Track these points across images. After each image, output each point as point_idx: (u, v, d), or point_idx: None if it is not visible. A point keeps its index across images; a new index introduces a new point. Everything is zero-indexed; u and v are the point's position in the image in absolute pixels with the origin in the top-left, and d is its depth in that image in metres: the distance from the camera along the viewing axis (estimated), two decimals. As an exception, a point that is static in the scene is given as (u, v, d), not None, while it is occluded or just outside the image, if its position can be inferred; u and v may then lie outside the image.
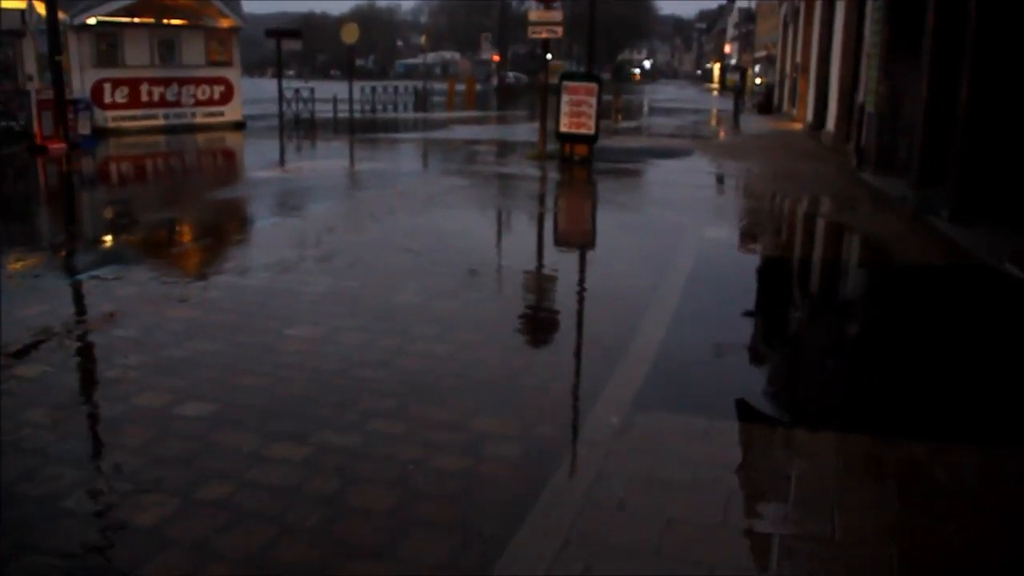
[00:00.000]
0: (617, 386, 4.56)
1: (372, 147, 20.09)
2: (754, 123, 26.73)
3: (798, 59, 25.91)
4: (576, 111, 14.95)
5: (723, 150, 18.22)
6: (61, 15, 19.84)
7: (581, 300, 6.58)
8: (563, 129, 15.18)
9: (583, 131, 15.04)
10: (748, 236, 9.31)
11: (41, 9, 17.88)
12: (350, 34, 28.42)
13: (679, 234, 8.95)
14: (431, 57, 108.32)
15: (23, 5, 19.53)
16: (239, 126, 23.55)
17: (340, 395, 4.48)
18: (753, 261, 8.17)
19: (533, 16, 15.13)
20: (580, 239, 9.62)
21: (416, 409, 4.29)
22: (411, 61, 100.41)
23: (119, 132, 21.12)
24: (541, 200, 12.09)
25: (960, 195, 9.37)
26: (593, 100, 14.89)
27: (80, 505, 3.41)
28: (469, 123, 27.78)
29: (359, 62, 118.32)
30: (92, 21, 20.80)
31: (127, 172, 16.10)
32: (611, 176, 14.05)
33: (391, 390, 4.53)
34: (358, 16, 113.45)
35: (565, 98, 15.00)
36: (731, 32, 68.90)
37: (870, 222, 10.05)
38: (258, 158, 17.96)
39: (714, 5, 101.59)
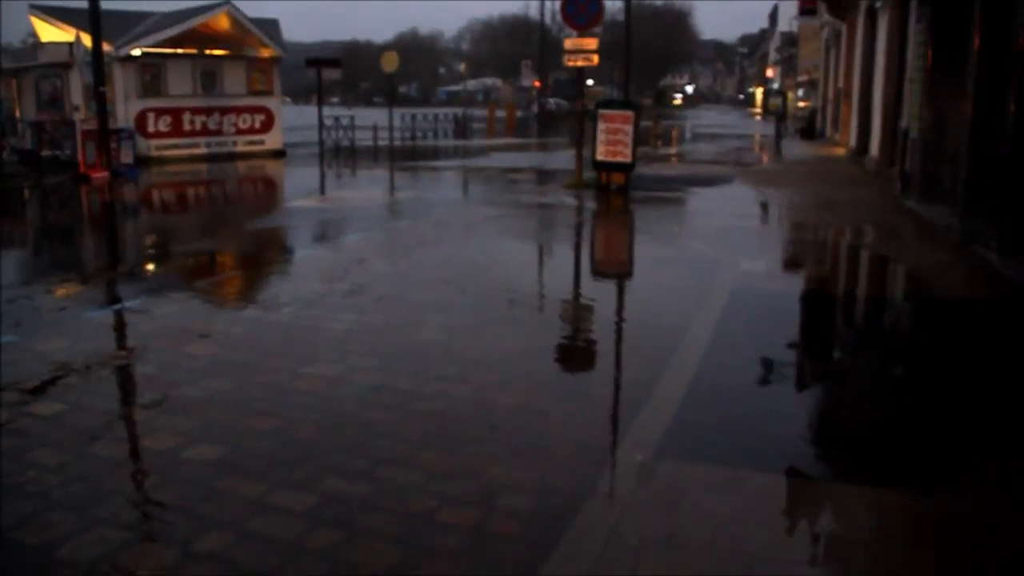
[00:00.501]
0: (640, 432, 4.37)
1: (410, 175, 20.12)
2: (796, 148, 26.35)
3: (840, 83, 25.53)
4: (612, 139, 14.80)
5: (763, 177, 17.92)
6: (107, 47, 20.25)
7: (609, 338, 6.39)
8: (599, 157, 15.04)
9: (620, 159, 14.88)
10: (785, 270, 9.06)
11: (88, 41, 18.25)
12: (390, 63, 28.69)
13: (714, 267, 8.72)
14: (473, 84, 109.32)
15: (71, 38, 20.01)
16: (279, 154, 23.81)
17: (352, 439, 4.34)
18: (790, 297, 7.85)
19: (568, 44, 15.05)
20: (613, 272, 9.44)
21: (428, 456, 4.14)
22: (453, 88, 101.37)
23: (162, 161, 21.46)
24: (577, 231, 11.94)
25: (1008, 224, 9.02)
26: (629, 128, 14.74)
27: (76, 555, 3.30)
28: (508, 150, 27.79)
29: (402, 89, 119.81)
30: (137, 52, 21.21)
31: (166, 201, 16.29)
32: (648, 205, 13.86)
33: (404, 435, 4.39)
34: (401, 44, 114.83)
35: (601, 126, 14.87)
36: (773, 56, 68.41)
37: (914, 253, 9.72)
38: (295, 187, 18.10)
39: (756, 29, 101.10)
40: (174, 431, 4.45)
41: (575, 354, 5.99)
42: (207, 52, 22.79)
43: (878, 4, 18.08)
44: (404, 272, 8.60)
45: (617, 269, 9.54)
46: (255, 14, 23.29)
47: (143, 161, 20.77)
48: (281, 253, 10.22)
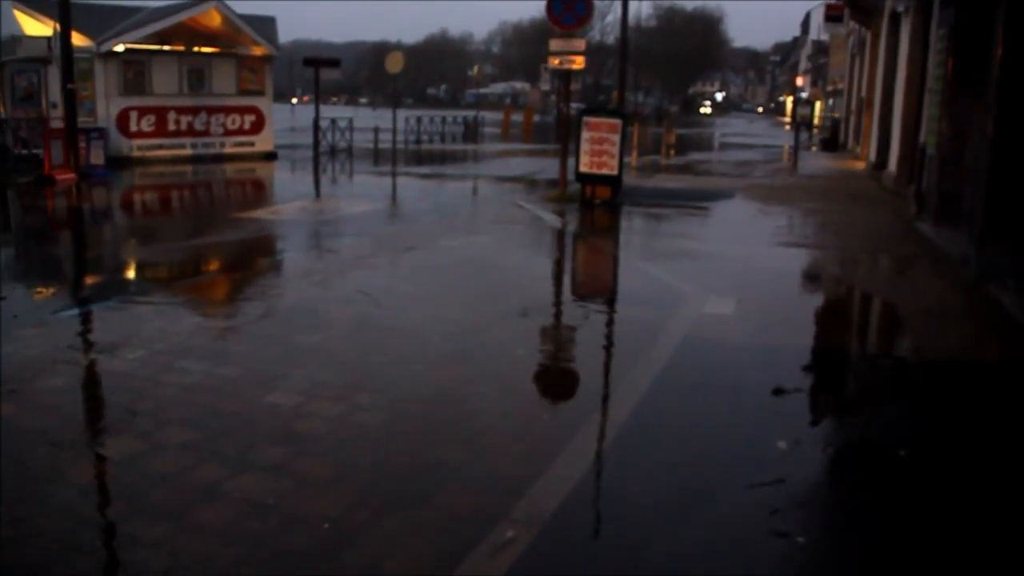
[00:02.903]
0: (489, 552, 3.14)
1: (392, 183, 18.96)
2: (815, 161, 24.86)
3: (863, 93, 24.05)
4: (597, 149, 13.55)
5: (772, 193, 16.49)
6: (88, 42, 19.38)
7: (501, 406, 5.16)
8: (583, 169, 13.80)
9: (605, 171, 13.63)
10: (758, 314, 7.51)
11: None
12: (394, 63, 27.67)
13: (677, 306, 7.44)
14: (502, 87, 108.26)
15: (49, 32, 19.09)
16: (270, 156, 22.86)
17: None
18: (748, 355, 6.25)
19: (554, 45, 13.82)
20: (556, 312, 8.17)
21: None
22: (481, 91, 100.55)
23: (144, 161, 20.54)
24: (542, 254, 10.70)
25: (1029, 259, 7.73)
26: (616, 138, 13.48)
27: None
28: (514, 156, 26.66)
29: (431, 91, 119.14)
30: (119, 48, 20.29)
31: (125, 207, 15.27)
32: (634, 223, 12.63)
33: (157, 565, 3.19)
34: (431, 46, 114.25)
35: (585, 135, 13.62)
36: (804, 65, 66.72)
37: (918, 293, 8.35)
38: (266, 194, 17.16)
39: (788, 37, 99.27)
40: None
41: (450, 436, 4.66)
42: (195, 49, 21.84)
43: (900, 8, 16.70)
44: (305, 307, 7.30)
45: (574, 296, 8.25)
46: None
47: (124, 162, 19.88)
48: (192, 277, 8.95)
